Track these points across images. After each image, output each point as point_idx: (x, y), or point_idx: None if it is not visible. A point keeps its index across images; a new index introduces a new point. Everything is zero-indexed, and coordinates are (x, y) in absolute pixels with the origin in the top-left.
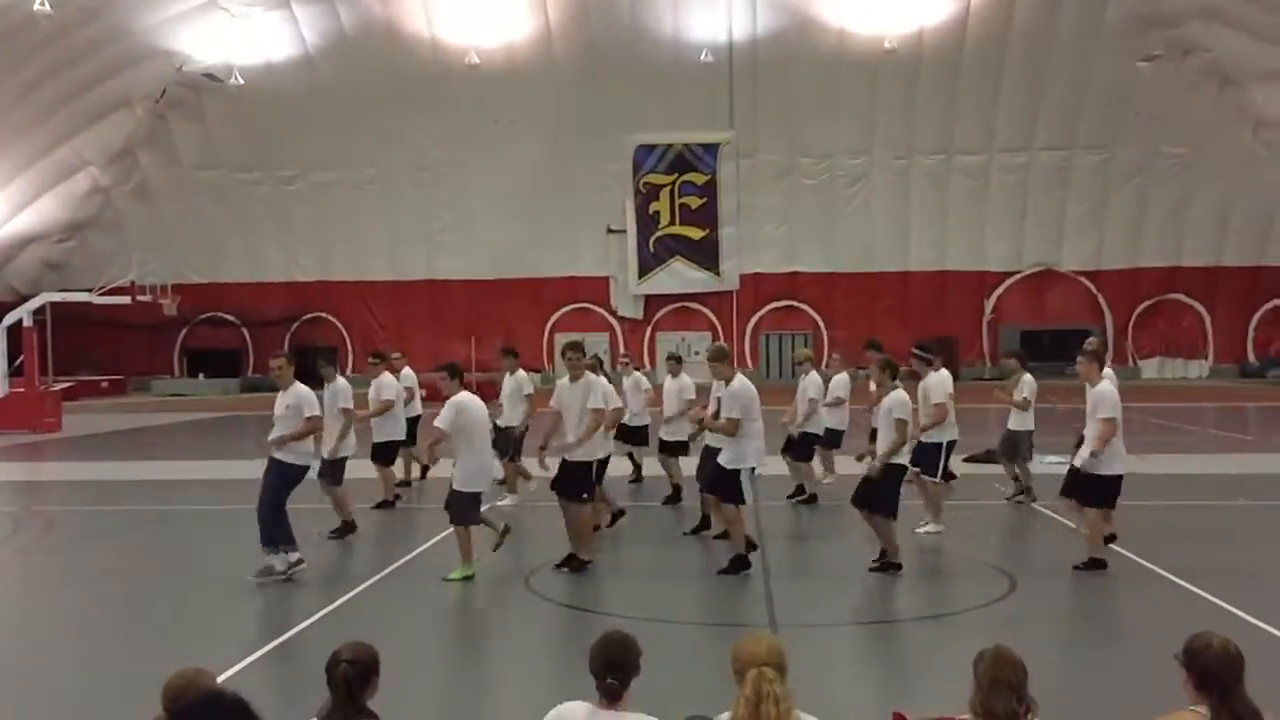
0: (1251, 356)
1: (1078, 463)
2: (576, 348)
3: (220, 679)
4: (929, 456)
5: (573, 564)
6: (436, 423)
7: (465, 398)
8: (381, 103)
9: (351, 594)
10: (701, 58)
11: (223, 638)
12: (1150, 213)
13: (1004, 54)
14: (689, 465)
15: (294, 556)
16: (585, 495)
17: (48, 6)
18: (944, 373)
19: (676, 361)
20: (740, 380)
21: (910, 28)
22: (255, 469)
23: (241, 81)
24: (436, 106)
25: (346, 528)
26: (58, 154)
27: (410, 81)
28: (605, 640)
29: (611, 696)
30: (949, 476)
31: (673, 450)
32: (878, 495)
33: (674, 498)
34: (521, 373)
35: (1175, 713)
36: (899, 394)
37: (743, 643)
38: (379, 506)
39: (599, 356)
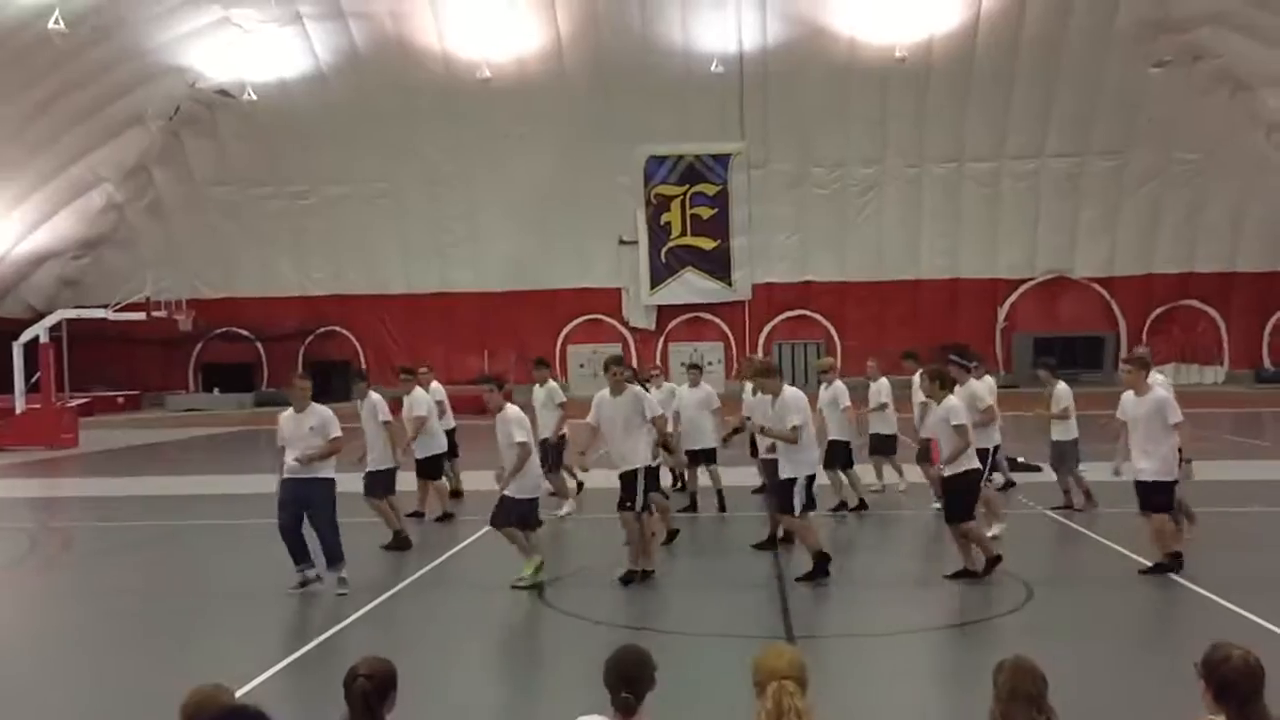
0: (1267, 362)
1: (1138, 475)
2: (620, 362)
3: (238, 694)
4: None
5: (632, 577)
6: (522, 438)
7: (517, 410)
8: (393, 117)
9: (368, 607)
10: (712, 68)
11: (240, 653)
12: (1163, 219)
13: (1014, 61)
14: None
15: (312, 573)
16: (629, 504)
17: (61, 25)
18: (988, 379)
19: (698, 371)
20: (794, 389)
21: (920, 36)
22: (271, 483)
23: (254, 97)
24: (448, 120)
25: (400, 540)
26: (72, 171)
27: (421, 95)
28: (619, 655)
29: (626, 711)
30: (1009, 484)
31: (696, 459)
32: (952, 504)
33: (691, 507)
34: (553, 383)
35: None
36: (954, 401)
37: (764, 655)
38: (440, 520)
39: (634, 369)
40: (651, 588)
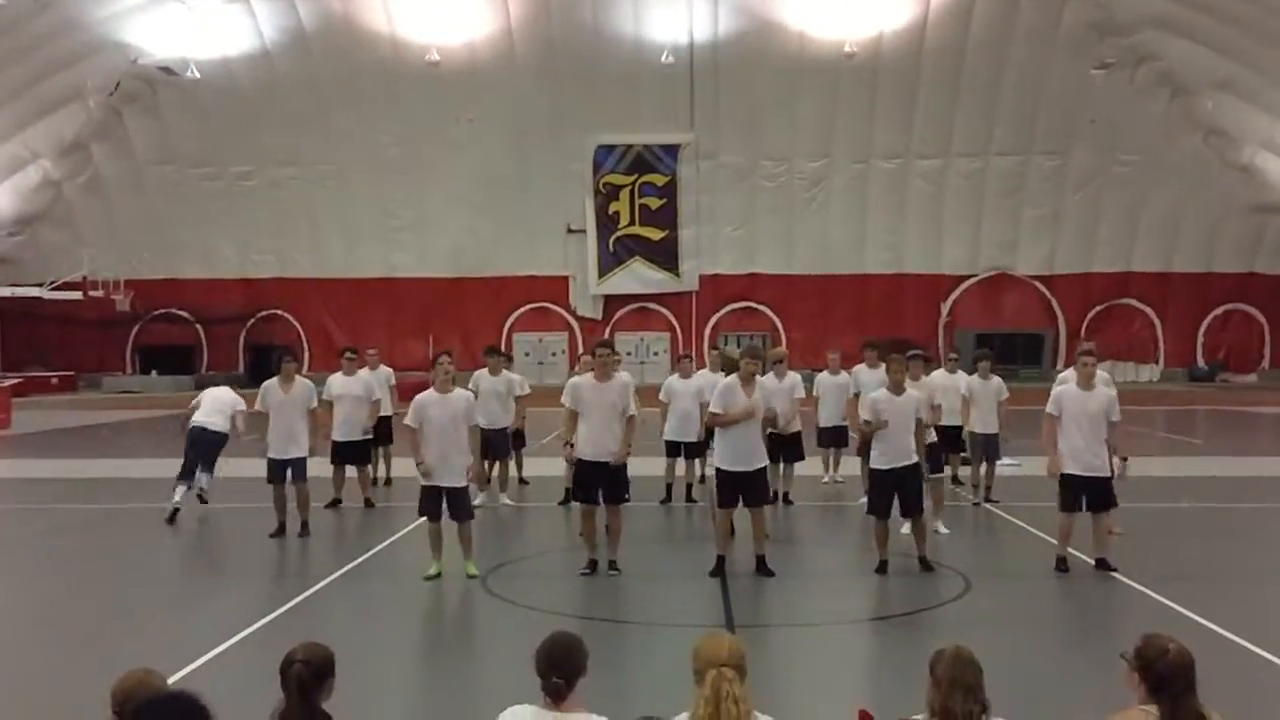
0: (1200, 361)
1: (1091, 471)
2: (608, 345)
3: (171, 680)
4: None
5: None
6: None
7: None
8: (339, 99)
9: (306, 594)
10: (663, 59)
11: (172, 639)
12: (1103, 218)
13: (962, 60)
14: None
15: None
16: (627, 497)
17: None
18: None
19: (689, 361)
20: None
21: (870, 33)
22: None
23: (198, 75)
24: (395, 104)
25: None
26: (7, 146)
27: (369, 78)
28: (550, 641)
29: (556, 696)
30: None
31: (681, 450)
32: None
33: (667, 498)
34: (509, 374)
35: (1126, 711)
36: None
37: (703, 643)
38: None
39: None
40: (596, 577)
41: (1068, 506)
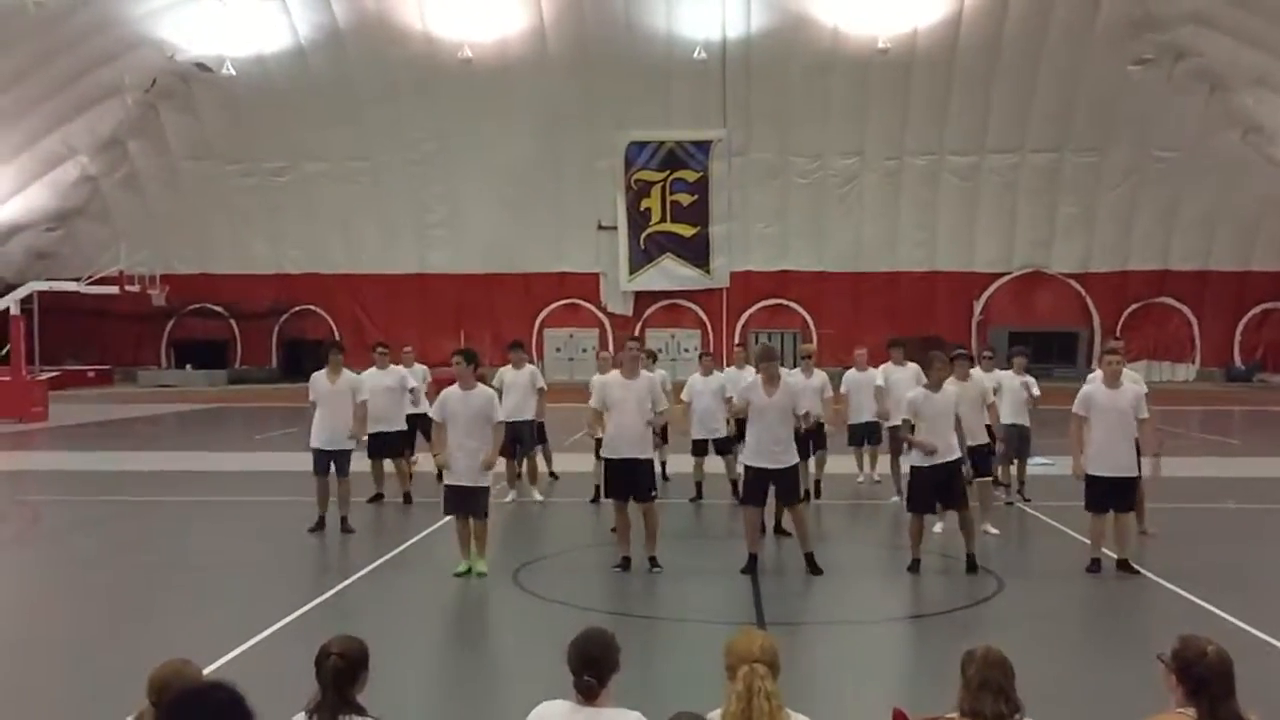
0: (1238, 360)
1: (1119, 471)
2: (637, 340)
3: (207, 671)
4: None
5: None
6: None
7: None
8: (372, 95)
9: (340, 586)
10: (695, 55)
11: (209, 630)
12: (1139, 216)
13: (996, 56)
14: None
15: None
16: (654, 493)
17: None
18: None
19: (710, 358)
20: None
21: (904, 28)
22: (241, 461)
23: (233, 72)
24: (428, 100)
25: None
26: (46, 143)
27: (402, 74)
28: (582, 637)
29: (588, 694)
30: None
31: (706, 449)
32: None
33: (698, 495)
34: (532, 368)
35: (1163, 714)
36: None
37: (737, 639)
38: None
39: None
40: (628, 574)
41: (1093, 506)
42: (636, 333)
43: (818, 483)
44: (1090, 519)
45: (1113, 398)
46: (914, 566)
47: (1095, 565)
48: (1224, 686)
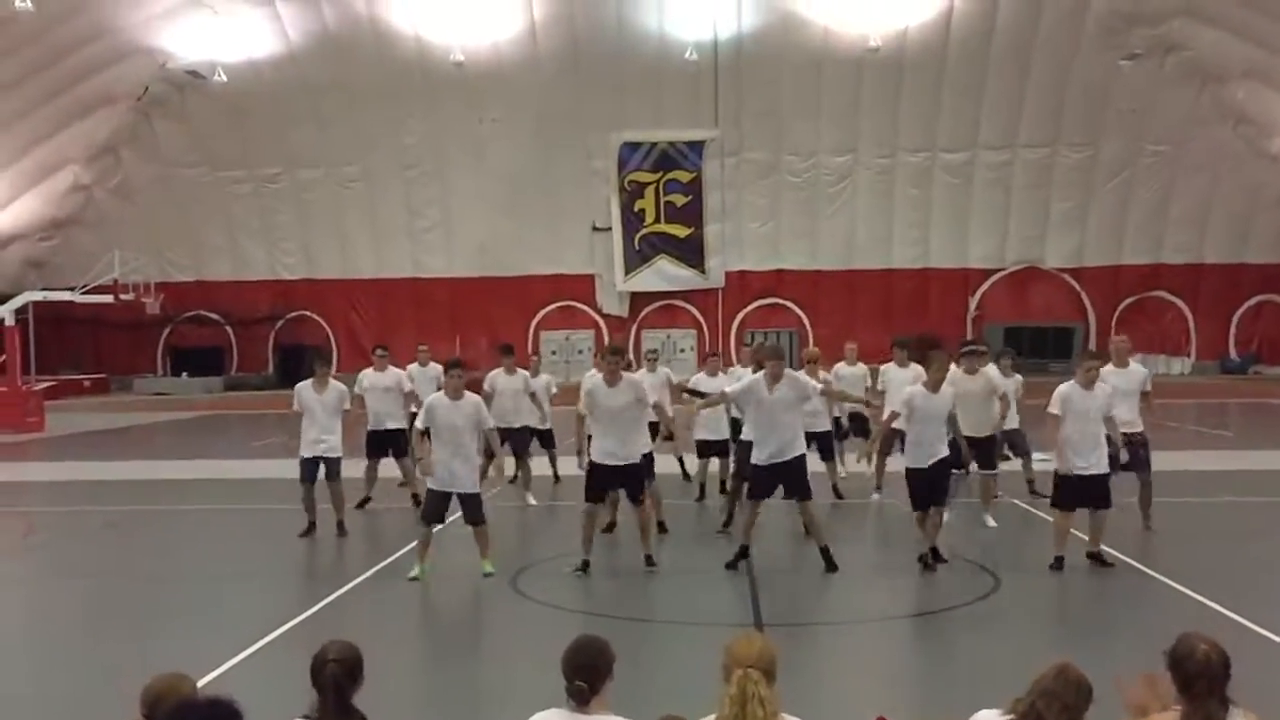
0: (1233, 353)
1: (1096, 469)
2: (619, 351)
3: (203, 681)
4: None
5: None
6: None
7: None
8: (365, 100)
9: (334, 595)
10: (686, 55)
11: (205, 640)
12: (1132, 210)
13: (987, 52)
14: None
15: None
16: (643, 498)
17: (29, 3)
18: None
19: (716, 359)
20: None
21: (894, 26)
22: (238, 468)
23: (225, 79)
24: (421, 104)
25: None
26: (39, 152)
27: (394, 79)
28: (575, 645)
29: (580, 699)
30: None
31: (711, 450)
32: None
33: (700, 496)
34: (524, 372)
35: (1156, 715)
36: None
37: (736, 643)
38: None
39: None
40: (628, 576)
41: (1063, 504)
42: (633, 333)
43: (834, 486)
44: (1057, 515)
45: (1084, 398)
46: (929, 557)
47: (1059, 563)
48: (1209, 686)
